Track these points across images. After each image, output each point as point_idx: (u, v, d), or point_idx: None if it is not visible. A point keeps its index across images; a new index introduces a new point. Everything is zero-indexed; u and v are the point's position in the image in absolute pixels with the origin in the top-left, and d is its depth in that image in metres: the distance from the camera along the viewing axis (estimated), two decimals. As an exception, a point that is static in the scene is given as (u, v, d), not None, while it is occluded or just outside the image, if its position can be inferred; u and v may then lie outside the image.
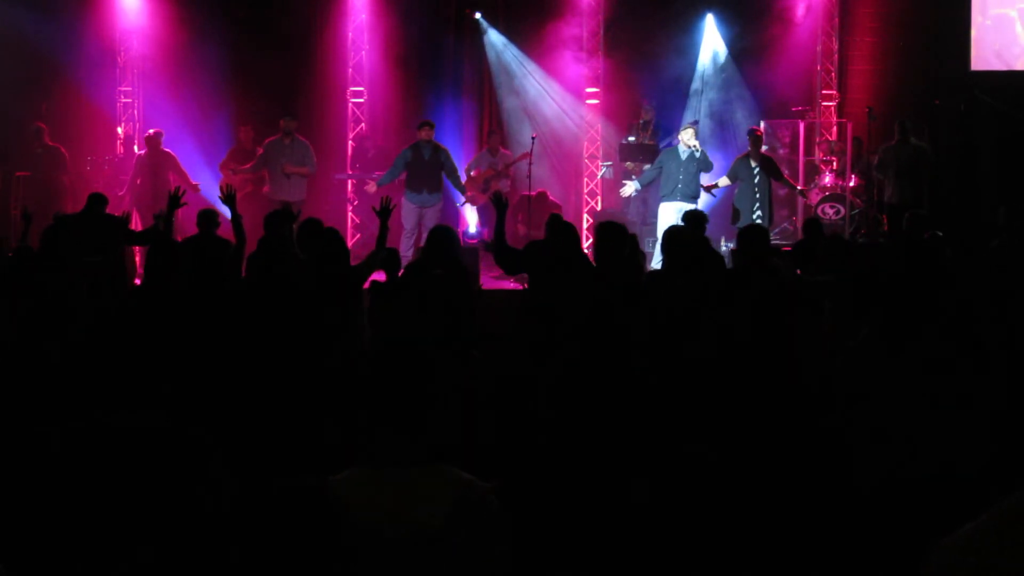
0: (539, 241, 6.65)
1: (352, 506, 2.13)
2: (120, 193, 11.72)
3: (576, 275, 5.66)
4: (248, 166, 11.71)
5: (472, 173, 12.42)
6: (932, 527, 2.95)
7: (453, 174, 10.99)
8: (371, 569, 2.12)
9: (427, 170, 10.90)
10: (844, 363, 3.50)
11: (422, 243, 10.02)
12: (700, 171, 10.64)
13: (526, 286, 6.79)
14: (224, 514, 3.23)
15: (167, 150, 11.72)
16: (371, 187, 11.36)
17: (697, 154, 10.55)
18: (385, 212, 6.68)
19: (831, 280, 5.53)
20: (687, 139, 10.62)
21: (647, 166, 11.72)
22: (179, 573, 3.18)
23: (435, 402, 2.23)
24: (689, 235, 6.76)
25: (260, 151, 11.73)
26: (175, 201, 7.23)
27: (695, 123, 12.84)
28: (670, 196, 10.64)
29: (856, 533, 3.15)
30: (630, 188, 11.22)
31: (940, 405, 3.24)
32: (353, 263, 6.44)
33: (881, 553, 3.10)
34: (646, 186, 11.33)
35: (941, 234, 7.14)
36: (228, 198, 7.05)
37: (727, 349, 3.85)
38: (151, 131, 11.76)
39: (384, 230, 6.63)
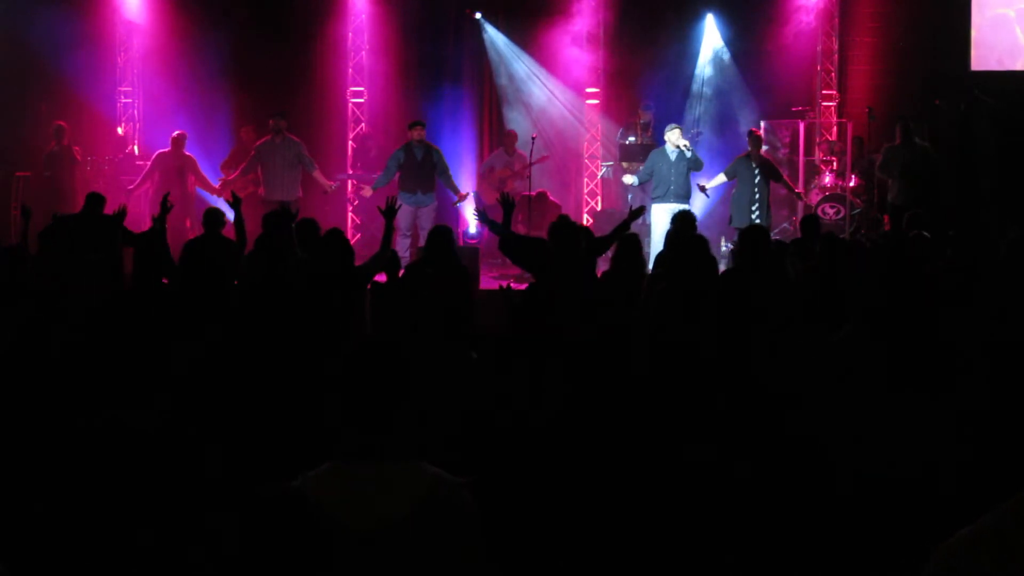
0: (544, 241, 6.65)
1: (321, 501, 2.14)
2: (130, 187, 11.61)
3: (569, 279, 5.64)
4: (236, 173, 11.50)
5: (487, 172, 12.42)
6: (911, 529, 2.97)
7: (446, 174, 10.90)
8: (339, 564, 2.12)
9: (420, 170, 10.83)
10: (824, 360, 3.51)
11: (421, 243, 10.06)
12: (690, 170, 10.60)
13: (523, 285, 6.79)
14: (216, 513, 3.25)
15: (189, 153, 11.72)
16: (366, 192, 11.35)
17: (688, 153, 10.52)
18: (390, 211, 6.81)
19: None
20: (674, 139, 10.57)
21: (643, 167, 11.69)
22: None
23: (409, 398, 2.23)
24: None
25: (252, 153, 11.64)
26: (165, 207, 7.37)
27: (699, 130, 12.88)
28: (663, 198, 10.55)
29: (836, 534, 3.14)
30: (630, 178, 11.15)
31: (919, 406, 3.23)
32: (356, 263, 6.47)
33: (862, 554, 3.10)
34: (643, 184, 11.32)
35: (928, 234, 7.07)
36: (235, 202, 7.24)
37: (719, 352, 3.84)
38: (176, 132, 11.67)
39: (389, 230, 6.76)
